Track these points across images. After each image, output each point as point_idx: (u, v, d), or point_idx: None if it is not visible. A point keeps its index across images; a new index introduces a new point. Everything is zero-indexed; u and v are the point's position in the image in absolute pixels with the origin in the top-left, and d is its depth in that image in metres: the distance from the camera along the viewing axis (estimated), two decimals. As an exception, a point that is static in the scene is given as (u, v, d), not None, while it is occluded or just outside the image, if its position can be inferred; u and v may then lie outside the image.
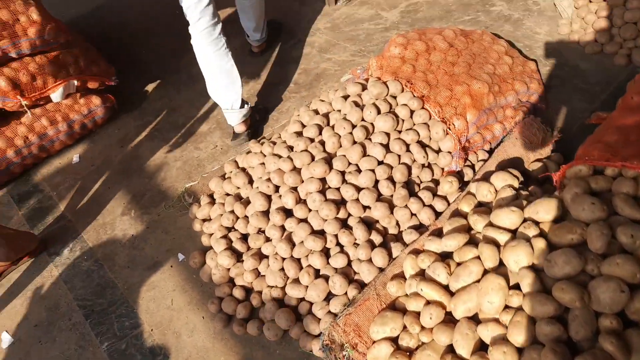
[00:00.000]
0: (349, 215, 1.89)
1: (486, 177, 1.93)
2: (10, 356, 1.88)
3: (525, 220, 1.60)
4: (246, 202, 2.04)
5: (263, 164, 2.12)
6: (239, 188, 2.14)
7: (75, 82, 2.62)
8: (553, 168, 2.03)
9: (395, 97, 2.15)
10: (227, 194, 2.18)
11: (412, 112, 2.09)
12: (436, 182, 2.05)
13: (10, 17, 2.35)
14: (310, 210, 1.89)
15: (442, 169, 2.09)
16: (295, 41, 3.44)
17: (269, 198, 1.98)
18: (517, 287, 1.46)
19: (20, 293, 2.10)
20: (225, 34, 2.32)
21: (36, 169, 2.72)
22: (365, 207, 1.90)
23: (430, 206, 1.95)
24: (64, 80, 2.55)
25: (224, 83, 2.36)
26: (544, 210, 1.55)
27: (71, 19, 3.98)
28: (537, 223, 1.58)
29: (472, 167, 2.16)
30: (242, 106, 2.46)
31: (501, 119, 2.26)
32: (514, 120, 2.27)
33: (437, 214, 1.94)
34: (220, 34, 2.27)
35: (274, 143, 2.19)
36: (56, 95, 2.55)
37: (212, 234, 2.08)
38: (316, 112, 2.26)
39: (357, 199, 1.89)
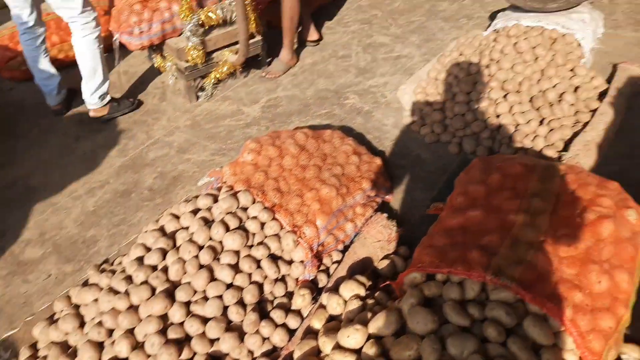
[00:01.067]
0: (195, 354, 1.72)
1: (337, 285, 1.91)
2: None
3: (369, 337, 1.58)
4: (74, 354, 1.76)
5: (97, 300, 1.88)
6: (67, 334, 1.84)
7: None
8: (400, 263, 2.09)
9: (246, 209, 2.10)
10: (54, 343, 1.86)
11: (262, 224, 2.05)
12: (290, 295, 1.99)
13: None
14: (149, 356, 1.68)
15: (297, 279, 2.04)
16: (152, 142, 3.31)
17: (100, 347, 1.73)
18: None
19: None
20: None
21: None
22: (212, 341, 1.75)
23: (284, 325, 1.86)
24: None
25: None
26: (384, 326, 1.54)
27: None
28: (380, 338, 1.57)
29: (327, 270, 2.14)
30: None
31: (352, 217, 2.31)
32: (364, 217, 2.33)
33: (292, 332, 1.86)
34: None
35: (113, 272, 1.98)
36: None
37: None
38: (163, 231, 2.11)
39: (204, 333, 1.74)
